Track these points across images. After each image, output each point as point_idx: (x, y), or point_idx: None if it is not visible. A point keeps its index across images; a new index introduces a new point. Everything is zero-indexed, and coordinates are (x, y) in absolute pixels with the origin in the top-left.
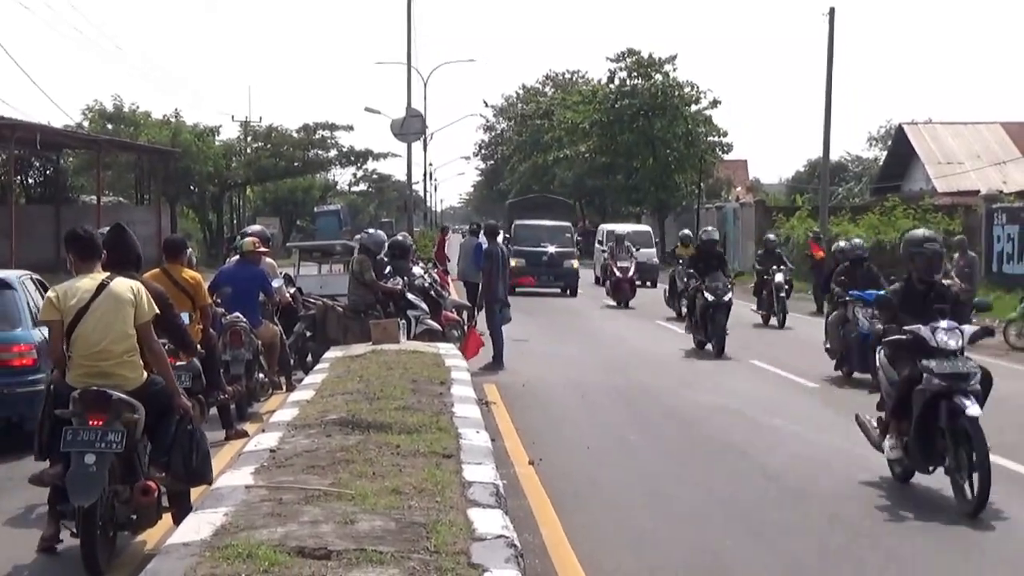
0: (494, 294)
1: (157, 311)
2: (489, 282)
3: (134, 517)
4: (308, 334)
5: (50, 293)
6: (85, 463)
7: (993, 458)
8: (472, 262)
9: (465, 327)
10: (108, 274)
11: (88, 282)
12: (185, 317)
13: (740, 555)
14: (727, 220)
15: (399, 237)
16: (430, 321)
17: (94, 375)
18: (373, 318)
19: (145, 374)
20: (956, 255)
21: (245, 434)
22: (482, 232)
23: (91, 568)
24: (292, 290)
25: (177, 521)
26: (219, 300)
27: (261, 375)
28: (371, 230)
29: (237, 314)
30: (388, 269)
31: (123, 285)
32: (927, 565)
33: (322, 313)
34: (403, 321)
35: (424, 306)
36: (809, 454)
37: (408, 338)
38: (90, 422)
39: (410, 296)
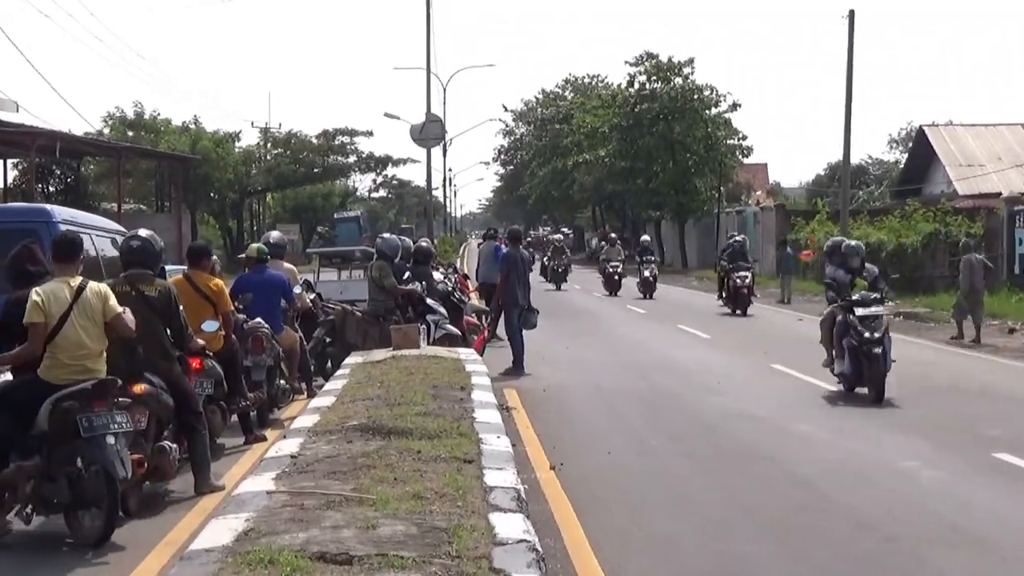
0: (511, 298)
1: (119, 309)
2: (505, 286)
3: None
4: (327, 340)
5: (35, 297)
6: (109, 443)
7: (1015, 460)
8: (492, 266)
9: (485, 331)
10: (82, 279)
11: (67, 288)
12: (213, 324)
13: (765, 562)
14: (747, 224)
15: (423, 243)
16: (449, 326)
17: (78, 371)
18: (392, 323)
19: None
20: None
21: (264, 439)
22: (505, 236)
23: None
24: (312, 296)
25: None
26: (241, 306)
27: (282, 381)
28: (387, 235)
29: (259, 320)
30: (407, 275)
31: (95, 288)
32: (955, 574)
33: (341, 318)
34: (423, 326)
35: (443, 311)
36: (835, 460)
37: (428, 343)
38: (96, 409)
39: (429, 301)
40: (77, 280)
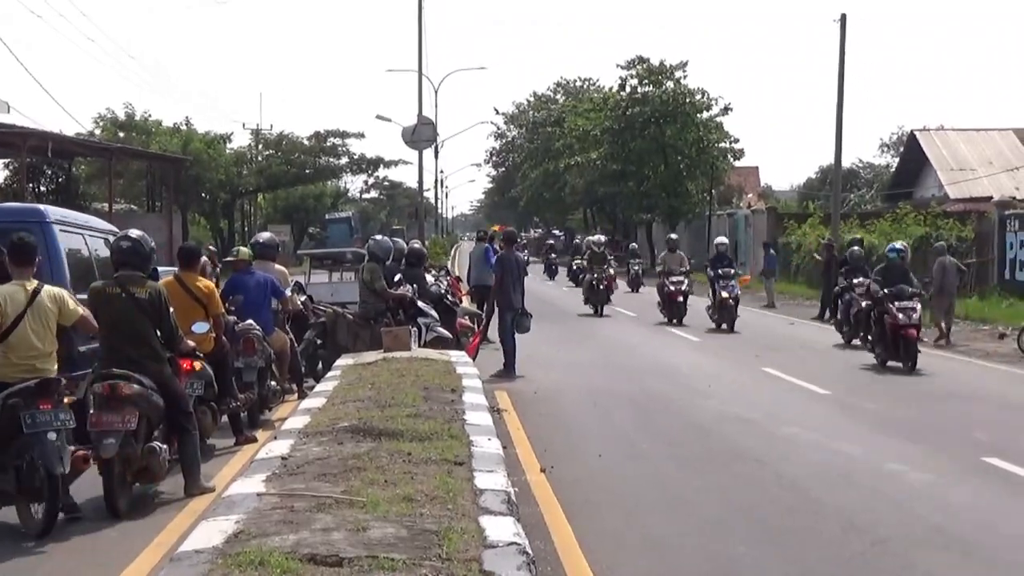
0: (506, 301)
1: (80, 312)
2: (500, 288)
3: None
4: (319, 342)
5: None
6: (50, 440)
7: (1003, 465)
8: (484, 268)
9: (478, 334)
10: (38, 283)
11: (23, 292)
12: (203, 326)
13: (755, 563)
14: (739, 227)
15: (415, 245)
16: (441, 329)
17: (27, 370)
18: (383, 325)
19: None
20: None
21: (255, 440)
22: (497, 238)
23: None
24: (303, 298)
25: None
26: (232, 308)
27: (273, 382)
28: (378, 237)
29: (250, 322)
30: (398, 277)
31: (50, 293)
32: None
33: (332, 321)
34: (414, 328)
35: (434, 313)
36: (825, 462)
37: (419, 345)
38: (40, 407)
39: (420, 304)
40: (33, 284)
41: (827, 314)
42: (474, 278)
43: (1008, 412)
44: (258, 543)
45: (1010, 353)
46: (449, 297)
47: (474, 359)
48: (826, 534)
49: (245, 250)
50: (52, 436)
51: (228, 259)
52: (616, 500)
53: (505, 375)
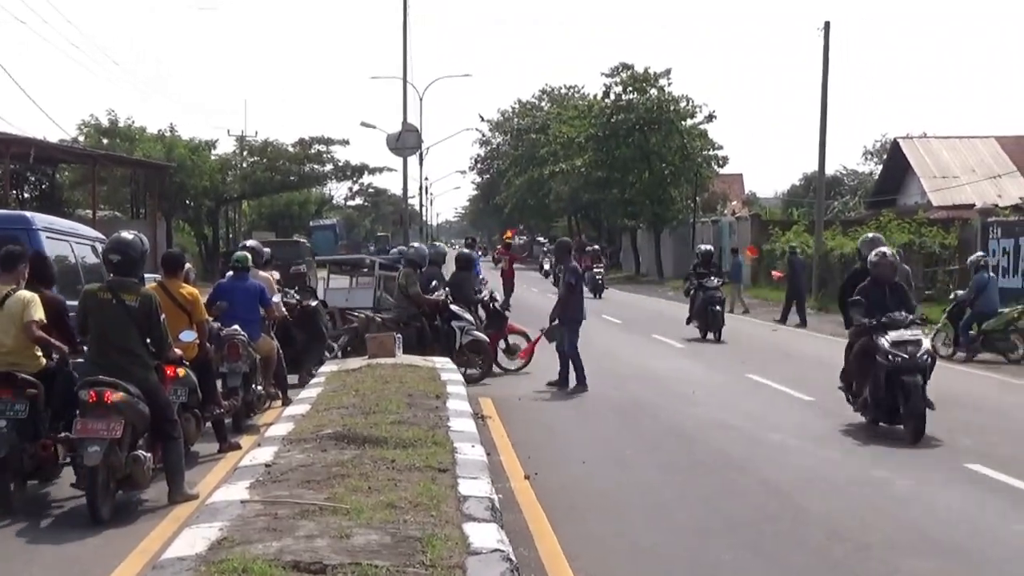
0: (576, 314)
1: (42, 318)
2: (569, 301)
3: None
4: (348, 348)
5: None
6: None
7: (987, 471)
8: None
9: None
10: (12, 288)
11: None
12: (190, 335)
13: (740, 570)
14: (723, 234)
15: (464, 250)
16: (476, 332)
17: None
18: (415, 329)
19: (44, 360)
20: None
21: (239, 447)
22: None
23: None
24: (315, 303)
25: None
26: (218, 314)
27: (259, 388)
28: (416, 244)
29: (235, 328)
30: (434, 283)
31: (20, 296)
32: None
33: (364, 325)
34: (448, 328)
35: (469, 317)
36: (808, 468)
37: (455, 348)
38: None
39: (454, 307)
40: (6, 288)
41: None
42: None
43: (991, 418)
44: (241, 550)
45: (992, 360)
46: (499, 302)
47: (527, 363)
48: (810, 540)
49: (243, 255)
50: (1, 423)
51: (235, 264)
52: (600, 507)
53: (579, 388)
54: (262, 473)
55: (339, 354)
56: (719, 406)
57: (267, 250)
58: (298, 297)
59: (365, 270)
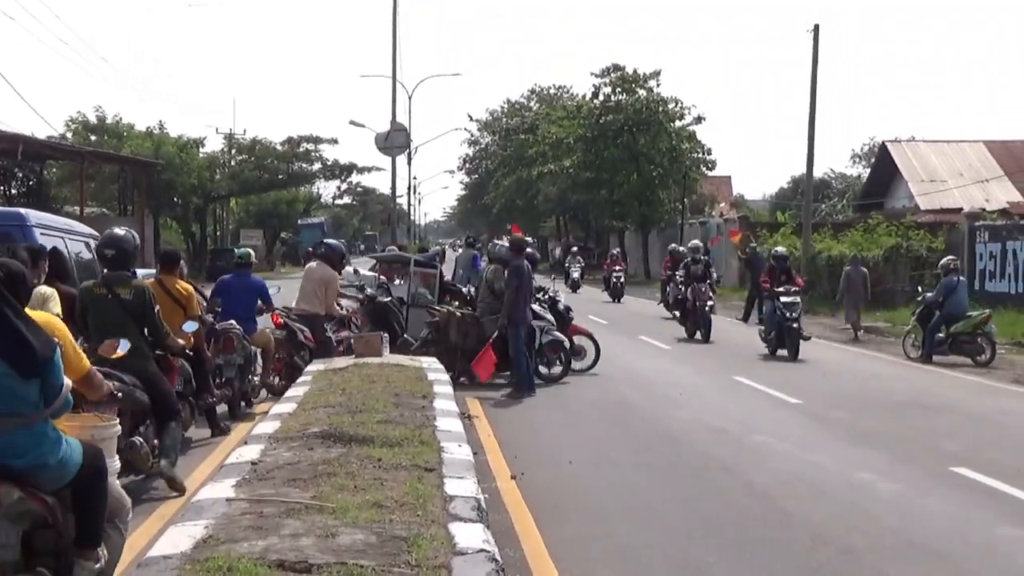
0: (520, 314)
1: (59, 313)
2: (515, 300)
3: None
4: (430, 339)
5: None
6: None
7: (971, 475)
8: (471, 273)
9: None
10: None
11: None
12: (192, 325)
13: (723, 572)
14: (711, 236)
15: (529, 250)
16: (556, 332)
17: None
18: (491, 323)
19: None
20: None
21: (228, 431)
22: (484, 245)
23: None
24: (387, 299)
25: None
26: (219, 309)
27: (255, 379)
28: (498, 241)
29: (231, 322)
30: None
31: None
32: None
33: (445, 320)
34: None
35: (550, 317)
36: (793, 471)
37: (534, 347)
38: None
39: (536, 307)
40: None
41: (751, 317)
42: (462, 283)
43: (976, 422)
44: (227, 549)
45: (960, 361)
46: (562, 303)
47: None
48: (795, 544)
49: (246, 251)
50: None
51: (238, 260)
52: (586, 508)
53: (520, 394)
54: (248, 471)
55: (414, 345)
56: (705, 408)
57: (256, 243)
58: (372, 293)
59: (405, 268)
